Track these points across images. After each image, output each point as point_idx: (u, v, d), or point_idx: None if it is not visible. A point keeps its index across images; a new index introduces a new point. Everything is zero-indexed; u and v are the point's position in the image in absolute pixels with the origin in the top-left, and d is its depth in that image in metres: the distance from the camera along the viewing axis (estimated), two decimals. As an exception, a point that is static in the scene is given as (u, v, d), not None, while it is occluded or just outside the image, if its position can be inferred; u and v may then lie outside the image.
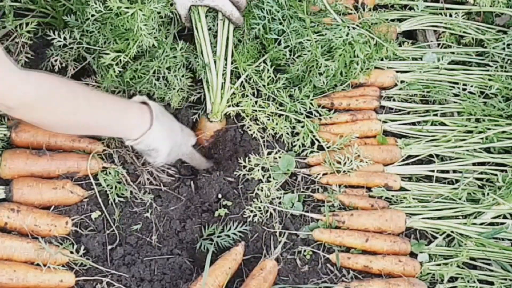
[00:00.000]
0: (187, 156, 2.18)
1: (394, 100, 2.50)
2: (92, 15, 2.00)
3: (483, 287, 2.03)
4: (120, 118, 1.93)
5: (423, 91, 2.50)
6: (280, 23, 2.25)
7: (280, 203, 2.14)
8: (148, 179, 2.14)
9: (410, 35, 2.74)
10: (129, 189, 2.10)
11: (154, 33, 2.06)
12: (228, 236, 2.06)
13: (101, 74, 2.18)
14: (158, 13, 2.03)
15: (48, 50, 2.23)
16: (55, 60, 2.20)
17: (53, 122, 1.81)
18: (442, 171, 2.32)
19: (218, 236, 2.06)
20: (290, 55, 2.28)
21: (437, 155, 2.34)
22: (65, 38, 2.15)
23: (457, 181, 2.29)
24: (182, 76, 2.20)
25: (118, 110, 1.94)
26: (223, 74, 2.19)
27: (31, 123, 1.82)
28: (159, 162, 2.07)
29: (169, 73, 2.17)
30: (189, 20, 2.18)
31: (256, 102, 2.29)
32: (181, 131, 2.12)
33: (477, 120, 2.44)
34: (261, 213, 2.11)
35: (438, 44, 2.70)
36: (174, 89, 2.20)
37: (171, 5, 2.10)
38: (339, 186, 2.20)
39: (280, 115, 2.30)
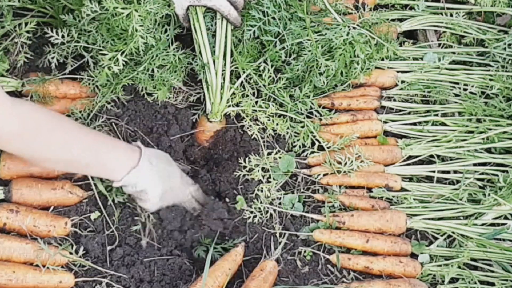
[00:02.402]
0: (186, 204, 2.05)
1: (394, 100, 2.49)
2: (88, 15, 2.00)
3: (484, 288, 2.03)
4: (107, 153, 1.85)
5: (424, 91, 2.50)
6: (276, 25, 2.24)
7: (280, 203, 2.14)
8: None
9: (411, 35, 2.73)
10: (128, 190, 2.09)
11: (152, 32, 2.05)
12: (228, 236, 2.06)
13: (99, 72, 2.15)
14: (156, 13, 2.02)
15: (45, 47, 2.23)
16: (52, 58, 2.19)
17: (41, 155, 1.76)
18: (443, 172, 2.32)
19: (218, 237, 2.06)
20: (286, 56, 2.27)
21: (438, 156, 2.34)
22: (63, 36, 2.14)
23: (458, 181, 2.29)
24: (174, 75, 2.20)
25: (106, 145, 1.86)
26: (222, 74, 2.19)
27: (19, 155, 1.76)
28: (150, 206, 1.96)
29: (158, 71, 2.16)
30: (187, 20, 2.18)
31: (256, 102, 2.29)
32: (180, 177, 2.02)
33: (478, 121, 2.44)
34: (261, 214, 2.10)
35: (439, 44, 2.69)
36: (164, 85, 2.18)
37: (169, 5, 2.10)
38: (340, 186, 2.20)
39: (280, 115, 2.30)
